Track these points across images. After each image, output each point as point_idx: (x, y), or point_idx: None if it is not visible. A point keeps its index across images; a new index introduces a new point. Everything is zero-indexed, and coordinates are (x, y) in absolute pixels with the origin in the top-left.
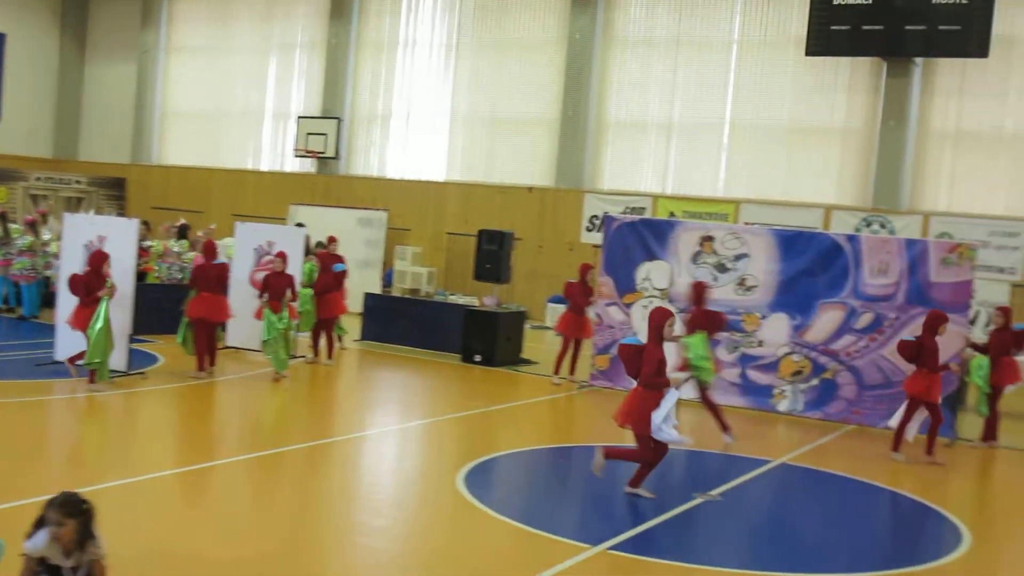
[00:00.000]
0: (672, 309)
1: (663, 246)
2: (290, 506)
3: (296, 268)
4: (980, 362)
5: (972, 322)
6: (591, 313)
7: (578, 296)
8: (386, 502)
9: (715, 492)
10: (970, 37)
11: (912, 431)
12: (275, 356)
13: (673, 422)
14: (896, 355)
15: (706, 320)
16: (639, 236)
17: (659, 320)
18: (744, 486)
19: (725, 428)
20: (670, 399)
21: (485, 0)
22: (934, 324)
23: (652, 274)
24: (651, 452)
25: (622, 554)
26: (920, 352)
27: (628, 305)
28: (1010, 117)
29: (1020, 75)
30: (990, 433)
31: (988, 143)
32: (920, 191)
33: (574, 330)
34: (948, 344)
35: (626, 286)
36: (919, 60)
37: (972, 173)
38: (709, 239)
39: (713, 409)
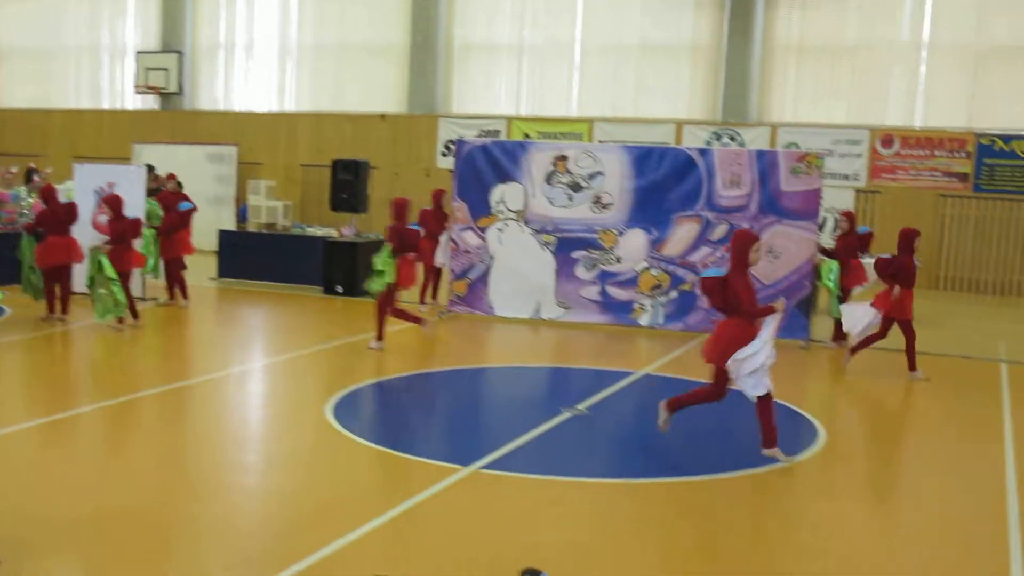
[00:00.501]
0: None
1: (516, 168)
2: (155, 453)
3: (139, 209)
4: (830, 266)
5: (821, 228)
6: (443, 238)
7: (432, 222)
8: (254, 438)
9: (582, 406)
10: None
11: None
12: (100, 303)
13: (771, 359)
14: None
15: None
16: (491, 159)
17: (744, 244)
18: (610, 399)
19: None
20: (769, 328)
21: None
22: (909, 242)
23: (506, 196)
24: (722, 391)
25: (494, 472)
26: (898, 270)
27: (483, 229)
28: (851, 28)
29: None
30: (841, 334)
31: (830, 54)
32: (767, 103)
33: (432, 257)
34: (800, 251)
35: (480, 210)
36: None
37: (816, 84)
38: (563, 159)
39: None
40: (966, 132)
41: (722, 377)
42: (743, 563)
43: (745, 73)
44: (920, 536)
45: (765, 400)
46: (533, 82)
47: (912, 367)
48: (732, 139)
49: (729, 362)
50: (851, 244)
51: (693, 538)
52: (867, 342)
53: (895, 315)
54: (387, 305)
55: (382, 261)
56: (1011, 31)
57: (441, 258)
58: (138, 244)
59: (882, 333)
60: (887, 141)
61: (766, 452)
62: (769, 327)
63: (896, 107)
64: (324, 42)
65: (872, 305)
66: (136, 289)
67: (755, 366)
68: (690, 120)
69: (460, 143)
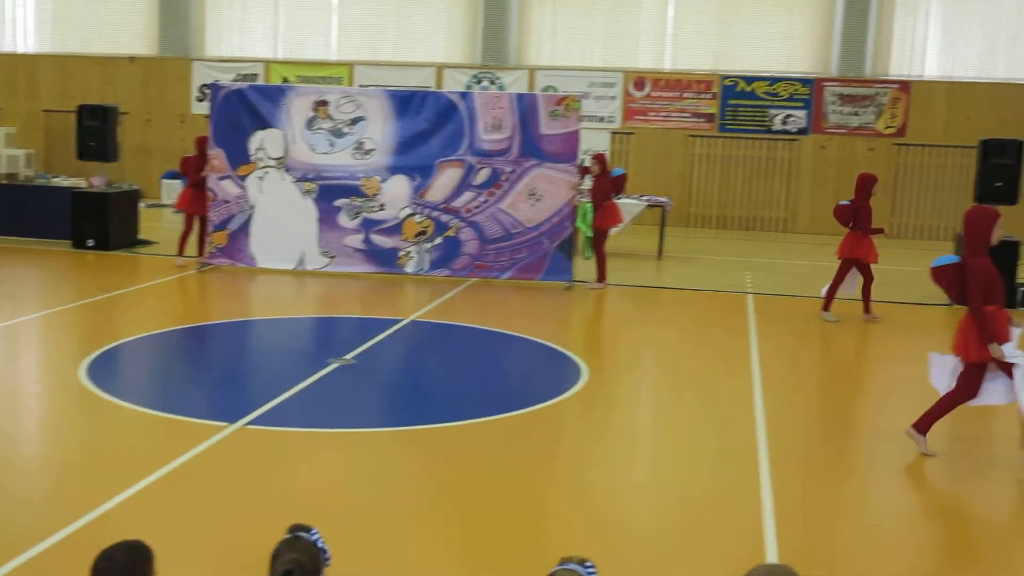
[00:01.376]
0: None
1: (275, 113)
2: None
3: None
4: (584, 208)
5: (578, 169)
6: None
7: (195, 170)
8: (5, 405)
9: (349, 356)
10: None
11: (850, 290)
12: None
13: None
14: (515, 208)
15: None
16: (249, 104)
17: (984, 224)
18: (377, 347)
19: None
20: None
21: None
22: (867, 187)
23: (266, 143)
24: (975, 390)
25: (262, 427)
26: (856, 215)
27: (243, 177)
28: None
29: None
30: (601, 274)
31: None
32: (525, 47)
33: (197, 207)
34: (561, 193)
35: (239, 157)
36: None
37: (572, 28)
38: (323, 104)
39: None
40: (712, 74)
41: (977, 374)
42: (507, 502)
43: (503, 16)
44: (676, 468)
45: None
46: (291, 24)
47: (867, 310)
48: (492, 83)
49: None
50: (604, 186)
51: (458, 481)
52: (865, 294)
53: (859, 257)
54: None
55: None
56: None
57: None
58: None
59: (867, 277)
60: (639, 84)
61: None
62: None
63: (647, 50)
64: None
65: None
66: None
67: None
68: (450, 64)
69: (215, 87)
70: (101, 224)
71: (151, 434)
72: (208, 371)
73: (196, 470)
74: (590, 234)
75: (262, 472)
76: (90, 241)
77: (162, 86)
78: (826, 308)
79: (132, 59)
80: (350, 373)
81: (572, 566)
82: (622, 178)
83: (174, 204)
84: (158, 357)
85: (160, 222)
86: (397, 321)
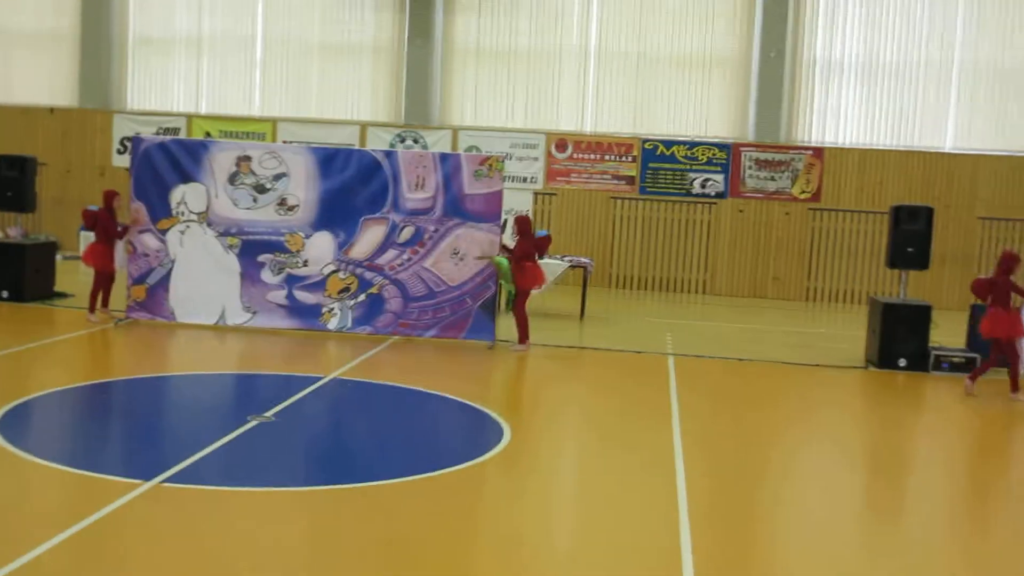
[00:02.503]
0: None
1: (198, 167)
2: None
3: None
4: (499, 261)
5: (502, 229)
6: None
7: (108, 224)
8: None
9: (269, 413)
10: None
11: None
12: None
13: None
14: (438, 267)
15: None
16: (171, 157)
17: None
18: (298, 404)
19: None
20: None
21: None
22: (1007, 264)
23: (188, 197)
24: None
25: (177, 486)
26: (994, 289)
27: (163, 231)
28: (523, 35)
29: None
30: (522, 336)
31: (505, 59)
32: (448, 106)
33: (102, 261)
34: (485, 252)
35: (160, 211)
36: None
37: (494, 88)
38: (246, 159)
39: None
40: (632, 137)
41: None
42: (432, 562)
43: (426, 76)
44: (600, 522)
45: None
46: (213, 78)
47: (1015, 388)
48: (416, 141)
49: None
50: (527, 248)
51: (381, 542)
52: (983, 368)
53: (1000, 334)
54: None
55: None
56: (670, 41)
57: (118, 262)
58: None
59: (993, 357)
60: (561, 145)
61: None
62: None
63: (569, 112)
64: None
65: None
66: None
67: None
68: (374, 122)
69: (136, 140)
70: (16, 275)
71: (62, 491)
72: (123, 427)
73: (109, 529)
74: (509, 288)
75: (178, 532)
76: (4, 292)
77: (82, 137)
78: (1014, 389)
79: (52, 110)
80: (270, 430)
81: None
82: (546, 239)
83: (80, 257)
84: (71, 412)
85: (78, 275)
86: (319, 378)
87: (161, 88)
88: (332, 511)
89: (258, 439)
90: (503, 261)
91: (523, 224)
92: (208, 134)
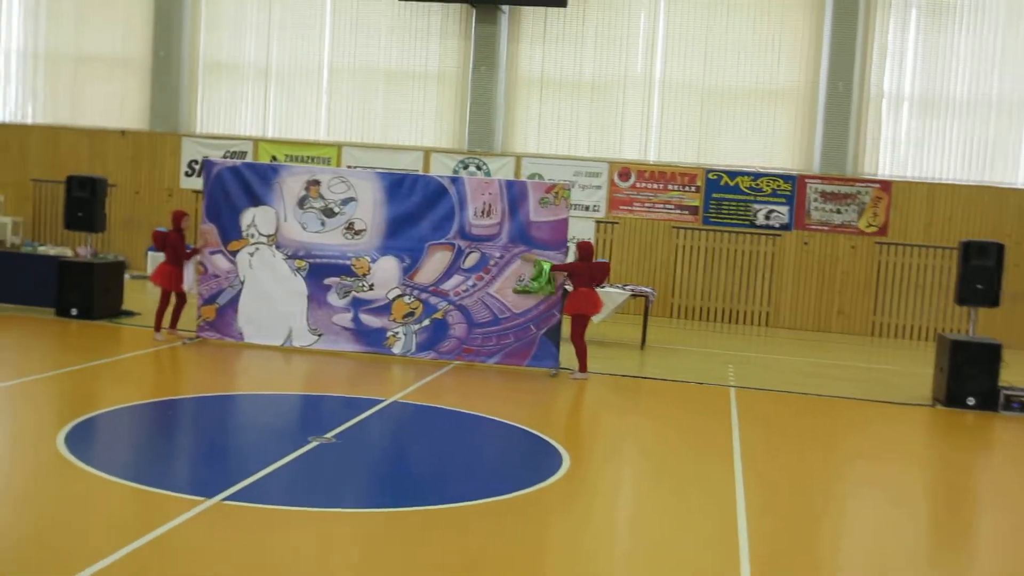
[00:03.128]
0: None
1: (268, 191)
2: None
3: None
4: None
5: (566, 256)
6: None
7: (177, 245)
8: None
9: (330, 435)
10: None
11: None
12: None
13: None
14: (503, 293)
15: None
16: (242, 181)
17: None
18: (359, 426)
19: None
20: None
21: None
22: None
23: (257, 220)
24: None
25: (238, 503)
26: None
27: (234, 253)
28: (587, 64)
29: (595, 24)
30: (582, 365)
31: (569, 87)
32: (511, 133)
33: (172, 281)
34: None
35: (231, 233)
36: (505, 8)
37: (557, 116)
38: (315, 183)
39: None
40: (696, 167)
41: None
42: None
43: (490, 103)
44: (656, 555)
45: None
46: (280, 104)
47: None
48: (479, 168)
49: None
50: (591, 273)
51: (438, 566)
52: None
53: None
54: None
55: None
56: (735, 72)
57: (187, 283)
58: None
59: None
60: (624, 174)
61: None
62: None
63: (632, 142)
64: (60, 51)
65: None
66: None
67: None
68: (437, 148)
69: (208, 164)
70: (86, 293)
71: (128, 506)
72: (187, 444)
73: (171, 545)
74: (543, 288)
75: (238, 549)
76: (73, 310)
77: (151, 160)
78: None
79: (123, 133)
80: (331, 451)
81: None
82: (603, 266)
83: (148, 277)
84: (137, 428)
85: (144, 294)
86: (380, 401)
87: (229, 112)
88: (389, 533)
89: (319, 460)
90: (545, 264)
91: (585, 249)
92: (274, 158)
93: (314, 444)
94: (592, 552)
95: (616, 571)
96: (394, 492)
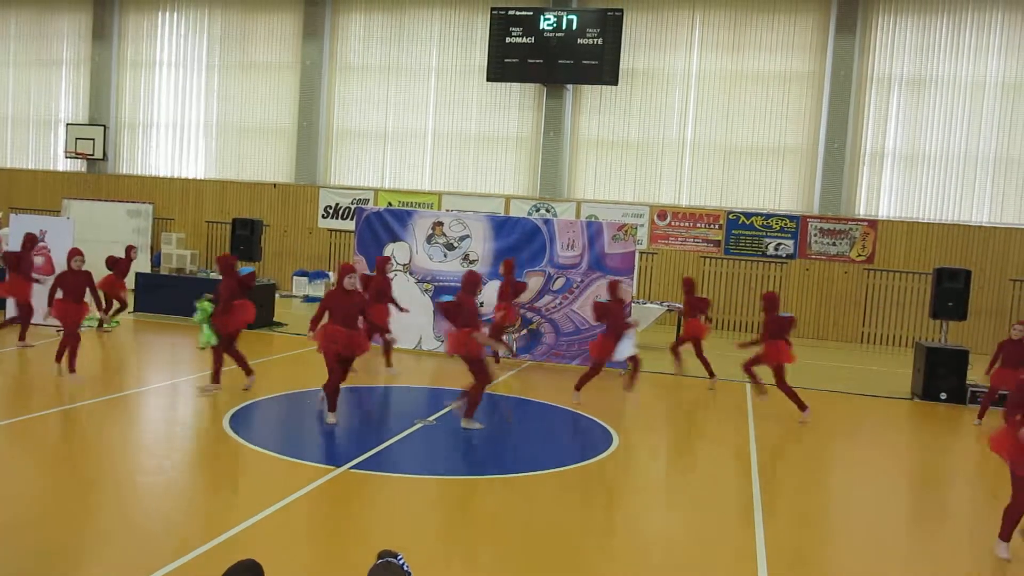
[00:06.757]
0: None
1: (404, 230)
2: (78, 461)
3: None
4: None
5: (632, 280)
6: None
7: (383, 286)
8: (164, 446)
9: (432, 418)
10: (604, 69)
11: None
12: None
13: None
14: (584, 310)
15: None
16: (384, 222)
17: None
18: (454, 412)
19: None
20: None
21: (229, 28)
22: None
23: (396, 252)
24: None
25: (362, 471)
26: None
27: None
28: (633, 129)
29: (639, 98)
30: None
31: (619, 147)
32: (574, 183)
33: (383, 316)
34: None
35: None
36: (569, 86)
37: (609, 169)
38: (439, 224)
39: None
40: (719, 209)
41: None
42: (563, 546)
43: (557, 159)
44: (690, 516)
45: None
46: (394, 161)
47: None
48: (547, 211)
49: None
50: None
51: (516, 522)
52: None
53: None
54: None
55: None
56: (751, 133)
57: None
58: None
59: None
60: (662, 215)
61: None
62: None
63: (668, 189)
64: (228, 123)
65: None
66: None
67: None
68: (515, 195)
69: (360, 210)
70: None
71: (276, 472)
72: (321, 426)
73: (308, 504)
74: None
75: (359, 506)
76: None
77: (296, 206)
78: None
79: (275, 185)
80: (433, 432)
81: (388, 559)
82: (790, 321)
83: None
84: (284, 413)
85: (290, 308)
86: None
87: (355, 167)
88: (477, 495)
89: (423, 438)
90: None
91: (770, 301)
92: (390, 203)
93: (418, 426)
94: (633, 510)
95: (653, 525)
96: (479, 463)
